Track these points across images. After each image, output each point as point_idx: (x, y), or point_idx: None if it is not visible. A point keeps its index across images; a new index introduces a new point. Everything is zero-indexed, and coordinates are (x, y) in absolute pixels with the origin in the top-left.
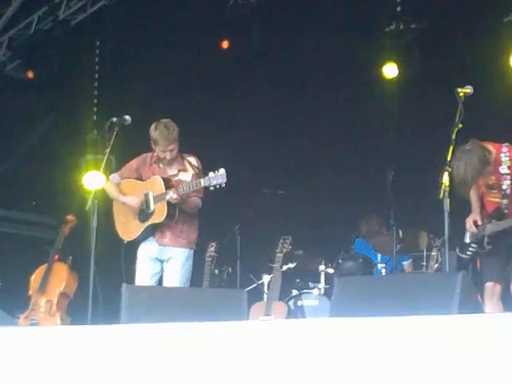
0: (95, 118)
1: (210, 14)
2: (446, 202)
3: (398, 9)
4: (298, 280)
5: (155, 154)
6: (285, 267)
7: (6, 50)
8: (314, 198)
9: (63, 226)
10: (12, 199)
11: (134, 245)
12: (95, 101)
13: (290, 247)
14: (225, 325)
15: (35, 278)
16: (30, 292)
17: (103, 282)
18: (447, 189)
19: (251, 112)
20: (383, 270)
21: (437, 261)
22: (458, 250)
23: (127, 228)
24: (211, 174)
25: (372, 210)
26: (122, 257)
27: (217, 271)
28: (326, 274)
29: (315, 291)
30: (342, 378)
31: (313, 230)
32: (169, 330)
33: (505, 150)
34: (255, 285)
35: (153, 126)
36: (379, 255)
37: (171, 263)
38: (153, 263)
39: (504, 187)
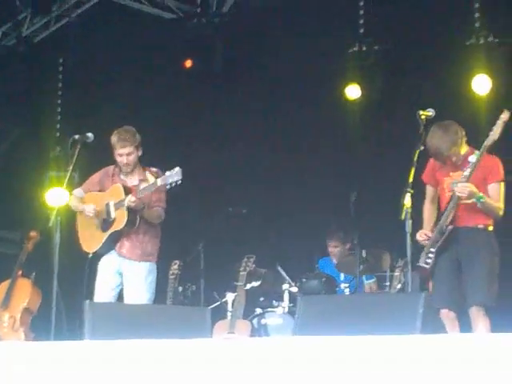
0: (58, 134)
1: (174, 33)
2: (408, 223)
3: (361, 30)
4: (261, 298)
5: (117, 166)
6: (249, 286)
7: None
8: (277, 217)
9: (27, 241)
10: None
11: (99, 260)
12: (58, 117)
13: (253, 266)
14: (188, 342)
15: None
16: None
17: (67, 298)
18: (409, 210)
19: (214, 130)
20: (346, 290)
21: (400, 281)
22: (420, 262)
23: (90, 240)
24: (167, 172)
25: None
26: (85, 272)
27: (180, 289)
28: (290, 292)
29: (279, 310)
30: None
31: (277, 249)
32: (132, 346)
33: (478, 152)
34: (219, 303)
35: (114, 132)
36: (342, 275)
37: (131, 279)
38: (112, 276)
39: (466, 173)
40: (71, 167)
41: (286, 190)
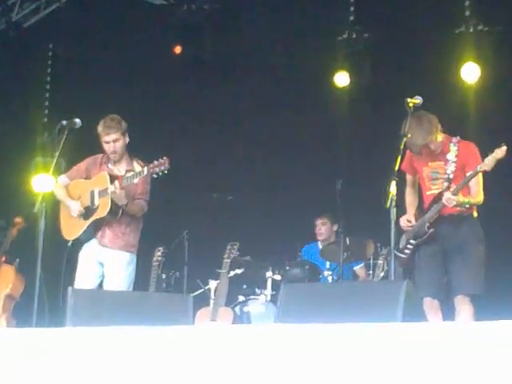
0: (46, 120)
1: (164, 19)
2: (393, 211)
3: (351, 18)
4: (244, 286)
5: (105, 155)
6: (232, 273)
7: None
8: (262, 204)
9: (11, 228)
10: None
11: (79, 248)
12: (46, 103)
13: (237, 253)
14: (170, 329)
15: None
16: None
17: (50, 285)
18: (394, 198)
19: (202, 116)
20: (329, 278)
21: (383, 269)
22: (396, 251)
23: (71, 227)
24: (155, 161)
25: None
26: (64, 258)
27: (164, 276)
28: (273, 280)
29: (262, 298)
30: None
31: (260, 237)
32: (113, 333)
33: (454, 140)
34: (202, 290)
35: (100, 121)
36: (327, 262)
37: (112, 268)
38: (93, 265)
39: (448, 172)
40: (58, 153)
41: (272, 177)
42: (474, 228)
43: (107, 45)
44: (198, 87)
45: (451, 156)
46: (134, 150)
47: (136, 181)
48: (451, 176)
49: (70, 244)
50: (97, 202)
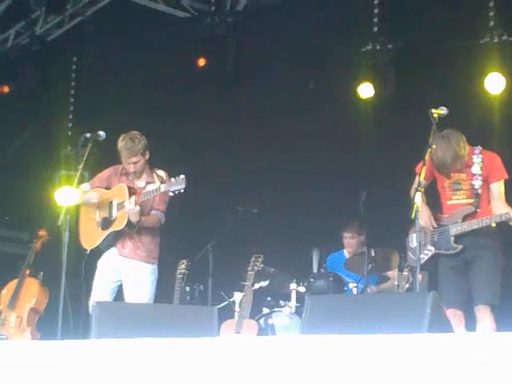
0: (70, 133)
1: (187, 32)
2: (418, 221)
3: (375, 29)
4: (269, 298)
5: None
6: (256, 285)
7: None
8: (286, 217)
9: (35, 241)
10: None
11: (98, 258)
12: (70, 116)
13: (261, 265)
14: (195, 341)
15: (6, 293)
16: (1, 307)
17: (74, 298)
18: (419, 209)
19: (225, 129)
20: (354, 289)
21: (408, 281)
22: (410, 254)
23: (89, 236)
24: (172, 179)
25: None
26: (82, 267)
27: (188, 288)
28: (298, 292)
29: (286, 310)
30: None
31: (285, 249)
32: (138, 345)
33: (477, 151)
34: (226, 302)
35: (121, 137)
36: (351, 274)
37: (133, 278)
38: (111, 272)
39: (476, 186)
40: (81, 166)
41: (297, 189)
42: (493, 237)
43: (131, 58)
44: (222, 99)
45: (476, 169)
46: (159, 162)
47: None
48: (479, 191)
49: (87, 253)
50: (115, 213)
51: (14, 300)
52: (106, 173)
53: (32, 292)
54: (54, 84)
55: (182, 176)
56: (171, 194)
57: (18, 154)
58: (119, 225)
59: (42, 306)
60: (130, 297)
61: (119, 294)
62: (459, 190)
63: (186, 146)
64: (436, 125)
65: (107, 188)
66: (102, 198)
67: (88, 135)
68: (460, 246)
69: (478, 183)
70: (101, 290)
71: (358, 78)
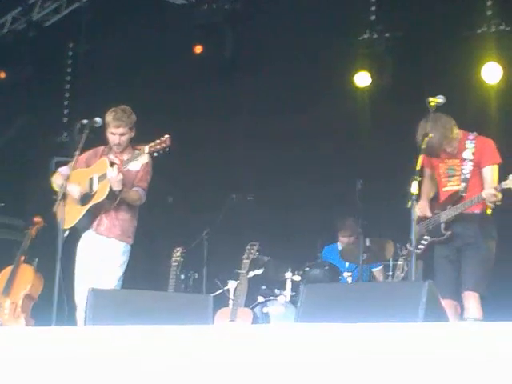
0: (66, 120)
1: (184, 19)
2: (414, 211)
3: (372, 18)
4: (264, 287)
5: (107, 146)
6: (251, 273)
7: None
8: (282, 205)
9: (30, 227)
10: None
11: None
12: (66, 103)
13: (256, 253)
14: (189, 329)
15: (0, 279)
16: None
17: (69, 285)
18: (415, 198)
19: (222, 116)
20: (349, 279)
21: (403, 270)
22: (408, 245)
23: (69, 215)
24: (156, 140)
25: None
26: (58, 250)
27: (183, 276)
28: (293, 281)
29: (281, 298)
30: None
31: (280, 237)
32: (133, 332)
33: (471, 137)
34: (221, 291)
35: (111, 109)
36: (346, 263)
37: (106, 255)
38: (90, 256)
39: (465, 171)
40: (78, 153)
41: (292, 178)
42: (486, 225)
43: (128, 44)
44: (219, 86)
45: (467, 154)
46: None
47: (137, 164)
48: (468, 176)
49: (66, 234)
50: (95, 187)
51: (9, 286)
52: (85, 155)
53: (27, 279)
54: (50, 70)
55: (167, 136)
56: (155, 154)
57: (14, 140)
58: (100, 196)
59: (36, 292)
60: (94, 272)
61: None
62: (453, 175)
63: (181, 133)
64: (433, 113)
65: None
66: (83, 177)
67: (84, 122)
68: (448, 233)
69: (467, 168)
70: (84, 281)
71: (355, 67)
